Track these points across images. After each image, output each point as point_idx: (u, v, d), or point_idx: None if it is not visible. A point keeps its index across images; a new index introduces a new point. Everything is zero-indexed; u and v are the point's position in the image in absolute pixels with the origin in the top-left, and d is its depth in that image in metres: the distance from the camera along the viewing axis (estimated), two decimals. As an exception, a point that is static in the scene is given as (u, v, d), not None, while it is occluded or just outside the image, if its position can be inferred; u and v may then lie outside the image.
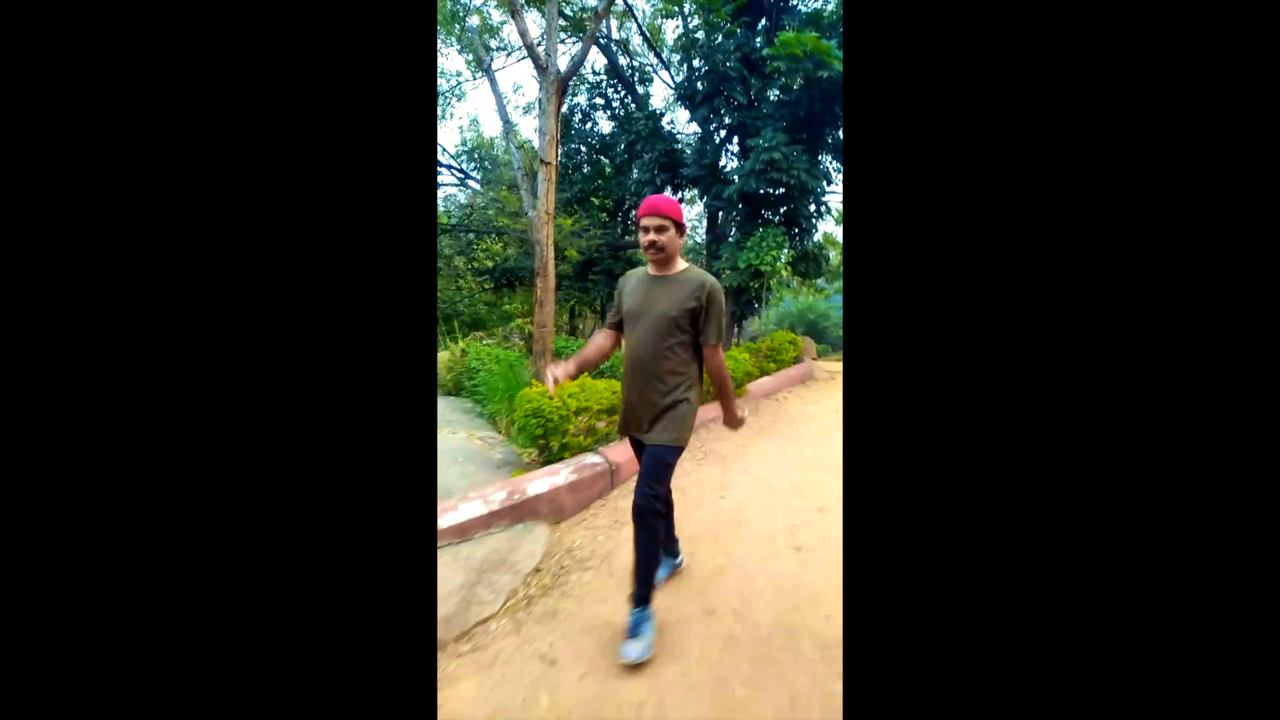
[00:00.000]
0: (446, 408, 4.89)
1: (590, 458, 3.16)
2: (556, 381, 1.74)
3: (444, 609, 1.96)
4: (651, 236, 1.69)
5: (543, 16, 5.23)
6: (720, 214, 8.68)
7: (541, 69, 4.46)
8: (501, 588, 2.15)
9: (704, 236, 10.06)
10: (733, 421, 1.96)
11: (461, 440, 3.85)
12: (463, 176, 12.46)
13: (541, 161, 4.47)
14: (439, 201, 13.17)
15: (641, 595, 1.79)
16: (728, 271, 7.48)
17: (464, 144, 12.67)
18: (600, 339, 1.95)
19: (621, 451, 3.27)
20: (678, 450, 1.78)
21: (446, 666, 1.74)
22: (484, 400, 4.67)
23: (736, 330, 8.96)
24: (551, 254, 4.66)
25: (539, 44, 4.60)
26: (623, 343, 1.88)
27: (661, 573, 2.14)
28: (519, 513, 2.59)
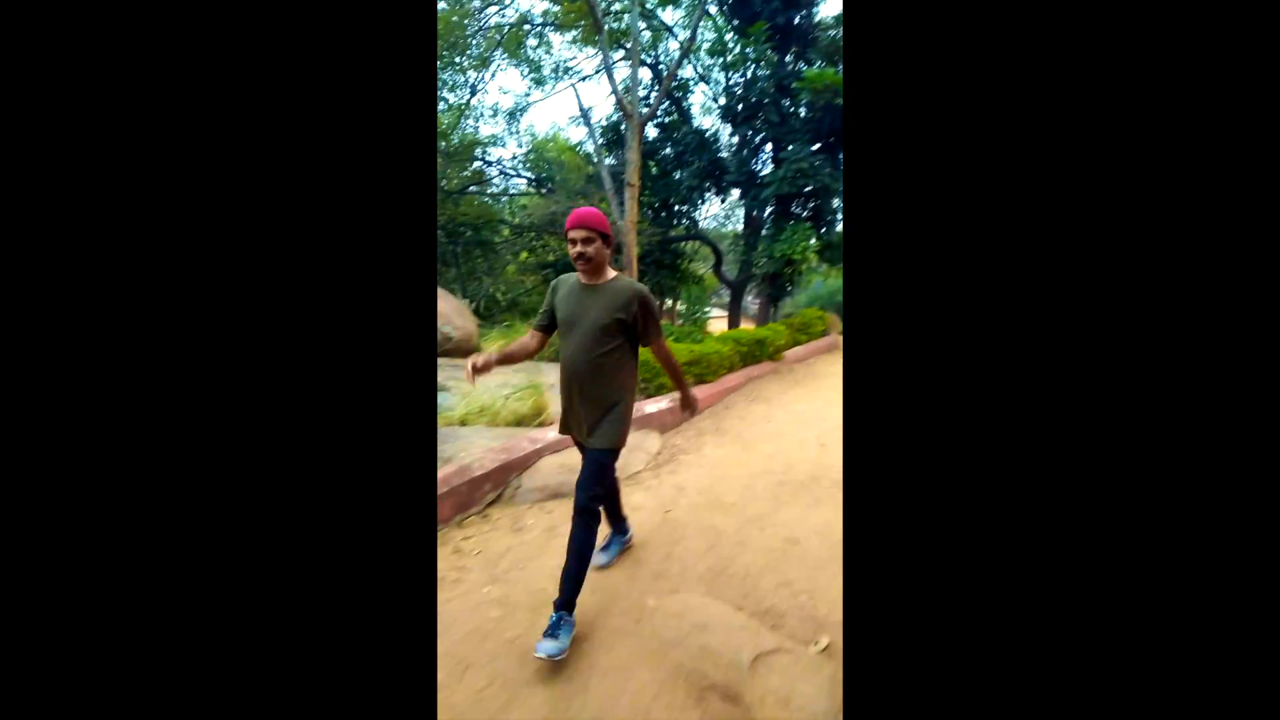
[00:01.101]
0: (540, 371, 6.37)
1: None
2: (477, 370, 1.71)
3: (622, 464, 3.40)
4: (580, 249, 1.67)
5: (628, 69, 6.54)
6: (755, 212, 9.92)
7: (627, 115, 5.80)
8: (640, 460, 3.56)
9: (742, 230, 11.31)
10: (689, 403, 2.02)
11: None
12: (535, 183, 13.86)
13: (628, 183, 5.83)
14: (505, 203, 14.62)
15: (566, 600, 1.72)
16: (764, 260, 8.77)
17: (531, 154, 14.03)
18: (527, 339, 1.91)
19: (698, 390, 4.65)
20: (615, 452, 1.82)
21: (633, 492, 3.14)
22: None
23: (772, 309, 10.26)
24: (635, 254, 6.04)
25: (624, 91, 5.94)
26: (559, 348, 1.84)
27: (613, 550, 2.26)
28: (640, 422, 4.00)
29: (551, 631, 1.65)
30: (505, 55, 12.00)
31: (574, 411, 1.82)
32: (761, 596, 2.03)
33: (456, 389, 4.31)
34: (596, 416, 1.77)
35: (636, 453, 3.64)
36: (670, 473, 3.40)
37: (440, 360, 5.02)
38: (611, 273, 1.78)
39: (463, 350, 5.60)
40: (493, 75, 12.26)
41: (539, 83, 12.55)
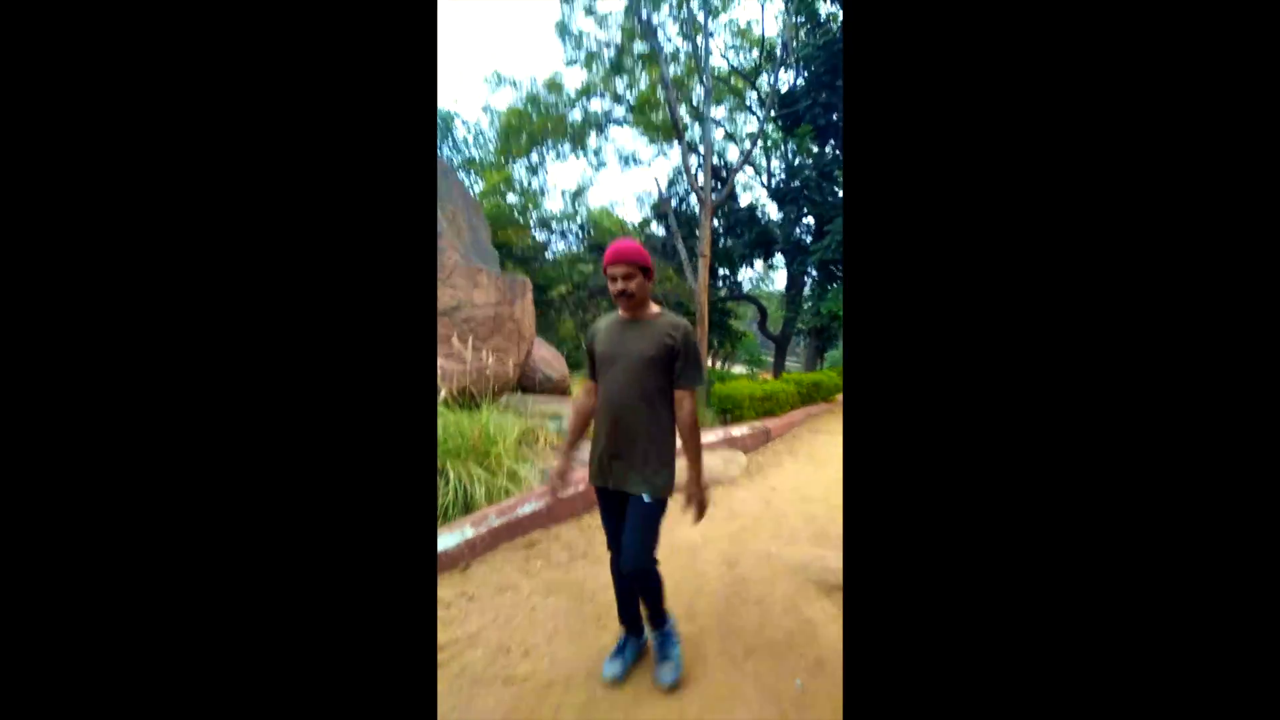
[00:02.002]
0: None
1: (755, 423, 5.38)
2: (561, 481, 1.66)
3: (722, 471, 4.19)
4: (620, 285, 1.47)
5: (697, 160, 7.85)
6: (800, 275, 10.99)
7: (702, 201, 7.00)
8: (735, 470, 4.35)
9: (785, 290, 12.35)
10: (698, 493, 1.52)
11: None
12: (594, 250, 15.34)
13: (700, 255, 6.93)
14: (563, 266, 16.08)
15: (656, 617, 1.64)
16: (810, 316, 9.71)
17: (588, 224, 15.54)
18: (582, 399, 1.70)
19: (771, 421, 5.46)
20: (664, 504, 1.52)
21: (734, 490, 3.91)
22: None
23: (819, 359, 11.11)
24: (706, 312, 7.06)
25: (698, 178, 7.16)
26: (600, 389, 1.60)
27: (628, 656, 1.69)
28: (728, 443, 4.81)
29: (663, 653, 1.66)
30: (573, 147, 13.80)
31: (611, 455, 1.53)
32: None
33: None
34: (642, 461, 1.50)
35: (730, 465, 4.44)
36: (761, 479, 4.18)
37: (548, 396, 5.98)
38: (655, 308, 1.58)
39: (560, 389, 6.55)
40: (560, 158, 13.93)
41: (599, 166, 14.32)
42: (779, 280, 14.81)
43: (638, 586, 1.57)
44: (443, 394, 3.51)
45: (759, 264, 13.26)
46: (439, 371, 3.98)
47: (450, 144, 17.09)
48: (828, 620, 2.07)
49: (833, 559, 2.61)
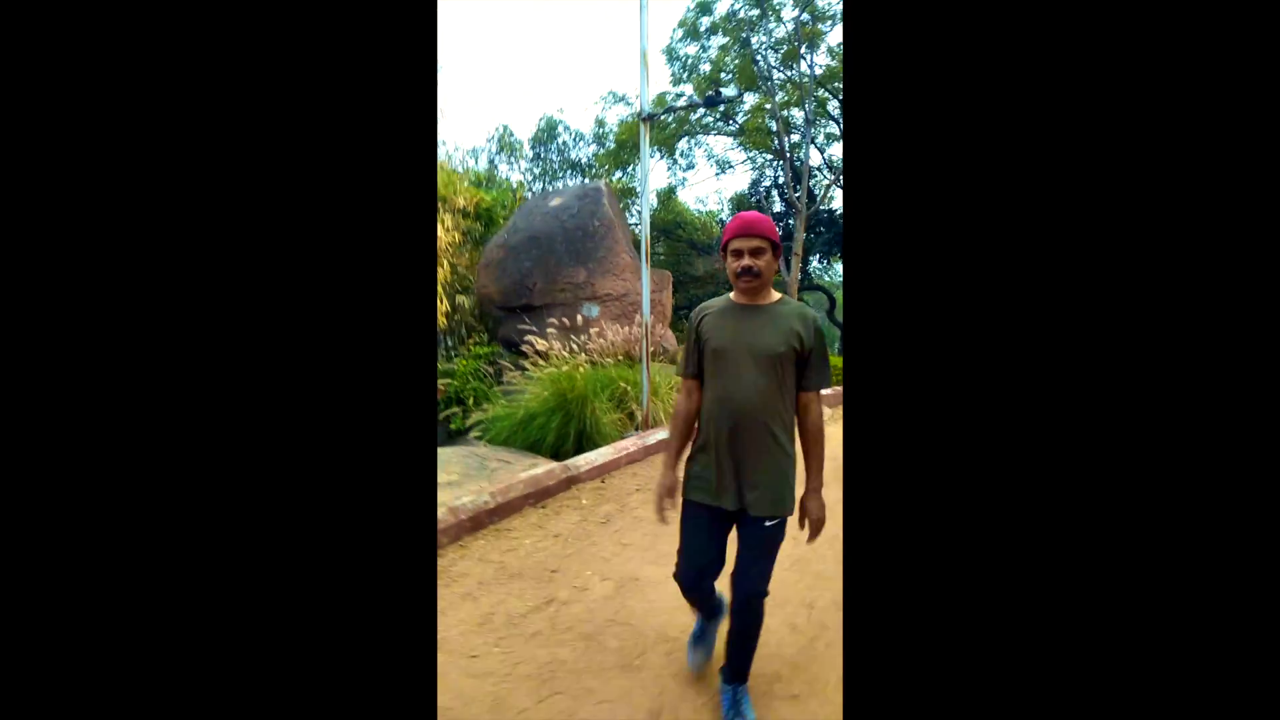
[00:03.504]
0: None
1: (836, 388, 6.67)
2: (668, 503, 1.38)
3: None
4: (747, 261, 1.24)
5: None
6: None
7: (796, 210, 8.26)
8: (827, 417, 5.69)
9: None
10: (819, 510, 1.30)
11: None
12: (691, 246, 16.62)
13: (795, 254, 8.22)
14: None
15: (743, 667, 1.41)
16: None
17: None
18: (684, 402, 1.39)
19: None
20: (785, 523, 1.30)
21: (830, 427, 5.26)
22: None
23: None
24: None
25: (797, 194, 8.39)
26: (706, 389, 1.32)
27: (710, 638, 1.58)
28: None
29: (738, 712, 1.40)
30: (663, 153, 14.96)
31: (730, 465, 1.28)
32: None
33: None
34: (770, 476, 1.27)
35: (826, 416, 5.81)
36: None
37: (667, 363, 7.39)
38: (775, 294, 1.35)
39: (674, 359, 7.99)
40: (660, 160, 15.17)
41: (689, 167, 15.48)
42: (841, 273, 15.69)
43: (748, 616, 1.32)
44: (621, 354, 4.99)
45: (834, 259, 14.24)
46: (625, 336, 5.49)
47: (557, 146, 18.81)
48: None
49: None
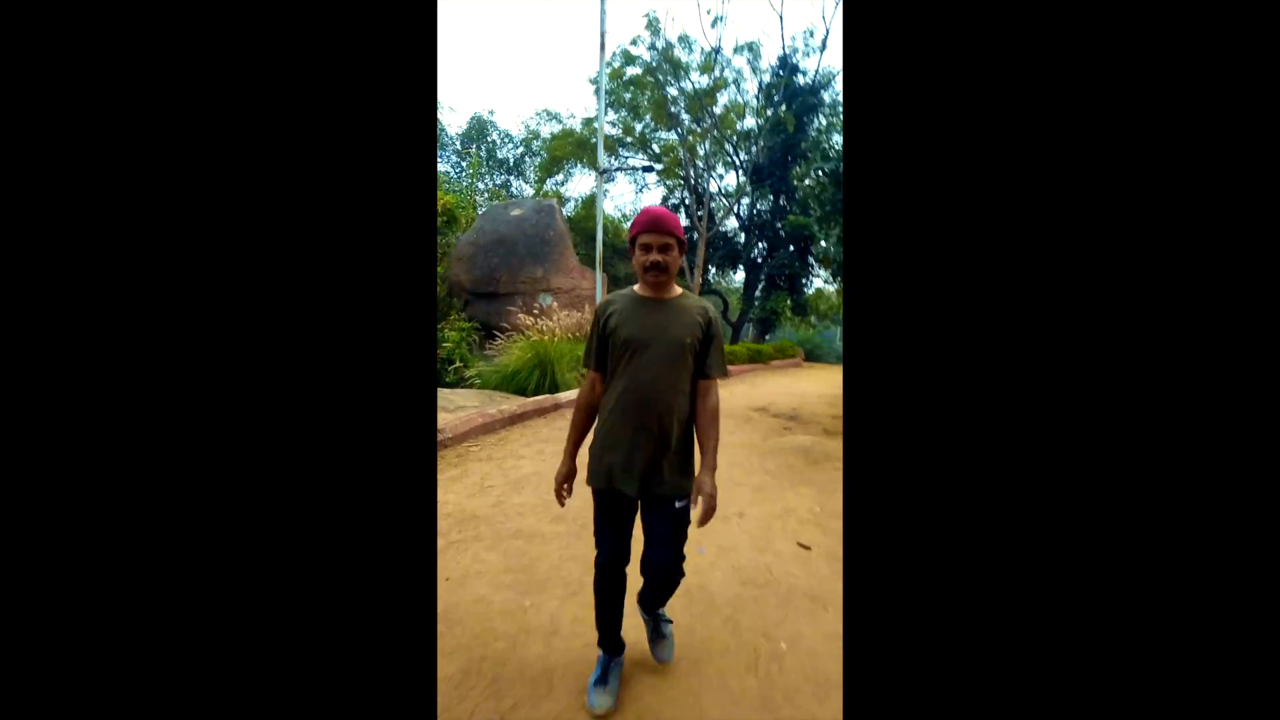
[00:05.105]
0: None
1: (724, 367, 8.99)
2: (565, 491, 1.35)
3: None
4: (655, 256, 1.23)
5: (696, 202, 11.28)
6: (752, 282, 14.91)
7: (699, 233, 10.44)
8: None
9: (741, 290, 16.21)
10: (712, 493, 1.23)
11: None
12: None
13: (696, 266, 10.40)
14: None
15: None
16: (758, 310, 13.58)
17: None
18: (586, 394, 1.37)
19: (736, 367, 9.06)
20: (690, 505, 1.29)
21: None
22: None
23: (763, 339, 15.14)
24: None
25: (700, 217, 10.57)
26: (614, 378, 1.29)
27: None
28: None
29: (660, 631, 1.48)
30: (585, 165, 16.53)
31: (636, 450, 1.24)
32: (780, 409, 6.33)
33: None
34: (678, 461, 1.28)
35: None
36: (725, 389, 7.67)
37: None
38: (677, 288, 1.33)
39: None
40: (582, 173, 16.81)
41: (610, 180, 17.38)
42: (737, 280, 18.68)
43: (667, 578, 1.33)
44: (572, 333, 6.66)
45: (727, 270, 17.25)
46: (575, 320, 7.15)
47: (487, 145, 19.51)
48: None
49: (781, 404, 6.05)
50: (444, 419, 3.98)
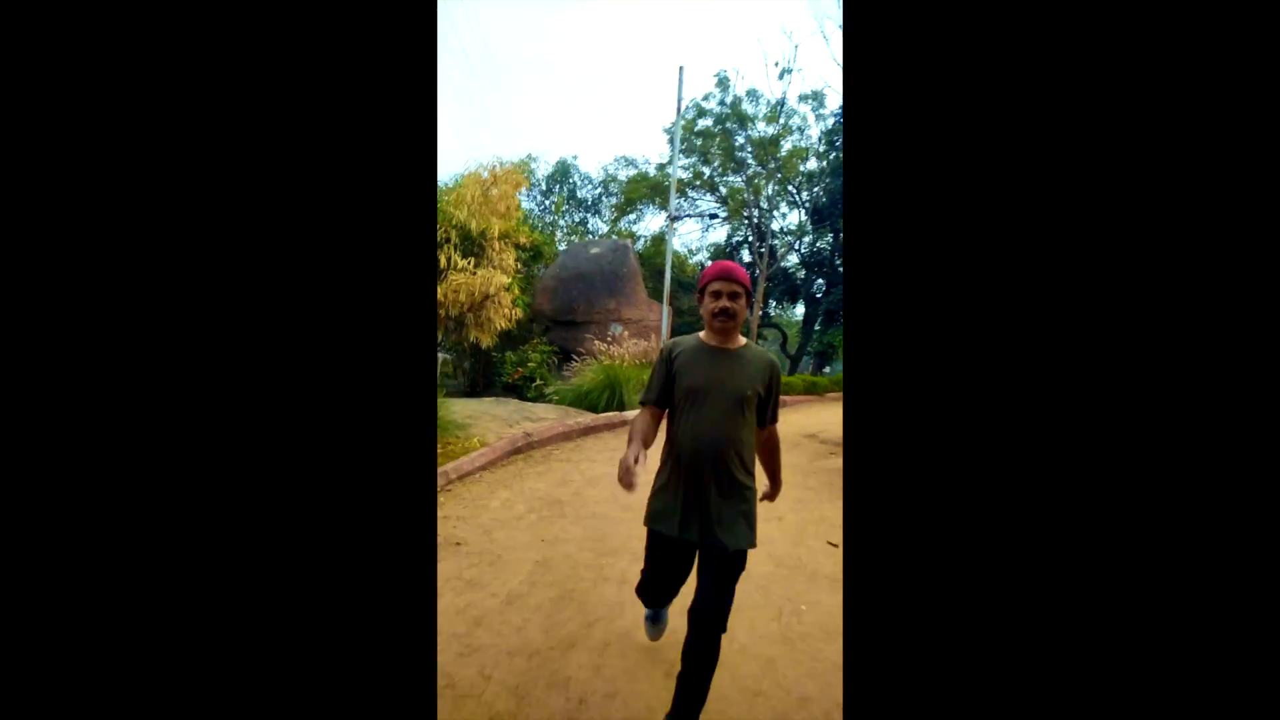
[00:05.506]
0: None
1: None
2: (632, 480, 1.23)
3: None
4: (725, 303, 1.30)
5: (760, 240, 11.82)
6: (812, 316, 15.09)
7: (760, 270, 10.93)
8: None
9: (801, 323, 16.39)
10: (775, 494, 1.60)
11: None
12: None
13: (755, 300, 10.84)
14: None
15: (694, 707, 1.29)
16: (815, 343, 13.75)
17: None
18: (648, 419, 1.38)
19: (785, 398, 9.31)
20: (747, 553, 1.33)
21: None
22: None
23: (820, 371, 15.18)
24: (755, 339, 10.96)
25: (761, 254, 11.07)
26: (676, 424, 1.35)
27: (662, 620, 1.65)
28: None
29: None
30: (658, 207, 17.71)
31: (698, 499, 1.29)
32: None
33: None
34: (734, 504, 1.30)
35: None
36: (783, 424, 7.95)
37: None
38: (741, 339, 1.39)
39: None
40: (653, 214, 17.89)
41: (680, 219, 18.37)
42: (796, 314, 18.87)
43: (704, 653, 1.26)
44: (638, 359, 7.28)
45: (786, 305, 17.55)
46: (642, 348, 7.81)
47: (569, 186, 21.30)
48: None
49: (830, 432, 6.33)
50: (530, 426, 4.70)
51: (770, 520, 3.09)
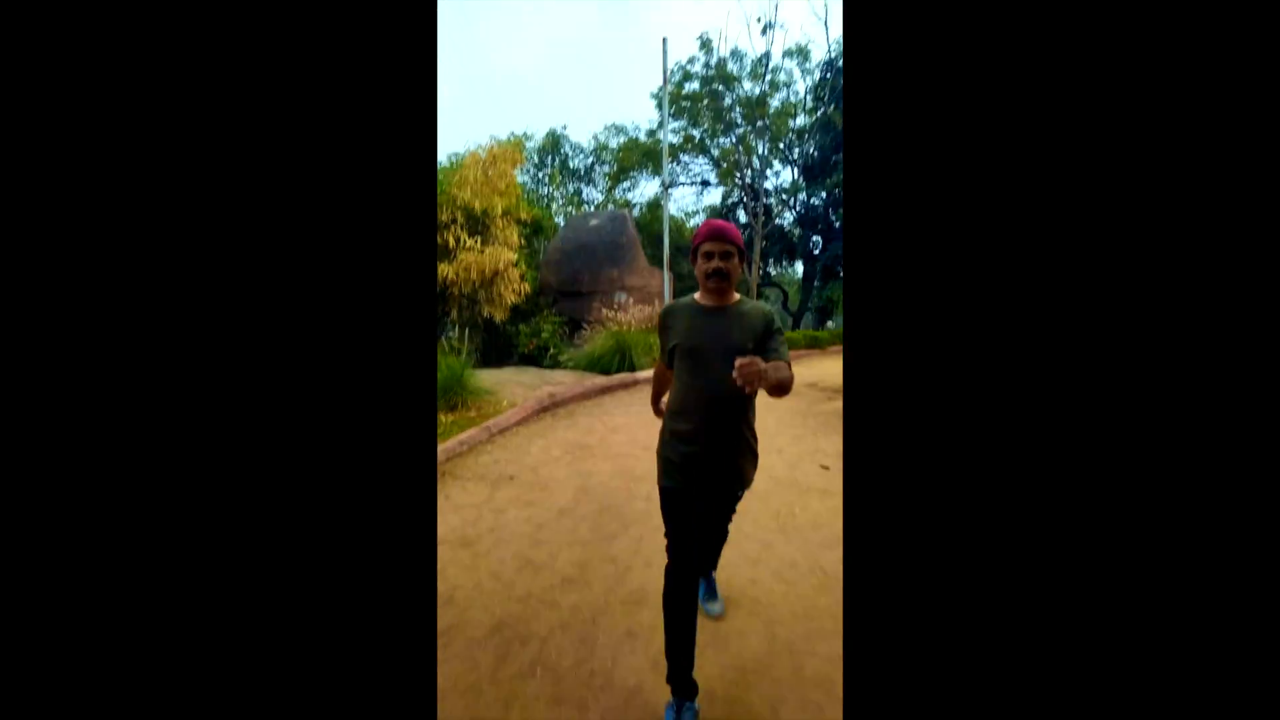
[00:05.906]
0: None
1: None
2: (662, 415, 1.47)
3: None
4: (717, 263, 1.30)
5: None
6: (809, 273, 15.24)
7: (755, 230, 11.13)
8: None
9: (800, 280, 16.57)
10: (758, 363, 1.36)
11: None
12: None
13: (754, 260, 11.09)
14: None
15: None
16: (815, 299, 13.97)
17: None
18: (662, 370, 1.58)
19: (796, 351, 9.73)
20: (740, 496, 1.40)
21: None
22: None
23: (821, 326, 15.46)
24: (755, 297, 11.25)
25: (756, 213, 11.26)
26: (677, 383, 1.40)
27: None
28: (767, 359, 9.06)
29: (714, 592, 1.74)
30: (651, 172, 17.61)
31: (705, 451, 1.33)
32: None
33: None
34: (739, 454, 1.35)
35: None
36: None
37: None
38: (735, 295, 1.40)
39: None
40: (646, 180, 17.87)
41: (673, 184, 18.28)
42: (796, 272, 19.05)
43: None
44: (644, 324, 7.67)
45: (785, 264, 17.67)
46: (646, 314, 8.17)
47: (561, 157, 21.17)
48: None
49: (829, 380, 6.76)
50: (551, 389, 5.15)
51: (770, 453, 3.55)
